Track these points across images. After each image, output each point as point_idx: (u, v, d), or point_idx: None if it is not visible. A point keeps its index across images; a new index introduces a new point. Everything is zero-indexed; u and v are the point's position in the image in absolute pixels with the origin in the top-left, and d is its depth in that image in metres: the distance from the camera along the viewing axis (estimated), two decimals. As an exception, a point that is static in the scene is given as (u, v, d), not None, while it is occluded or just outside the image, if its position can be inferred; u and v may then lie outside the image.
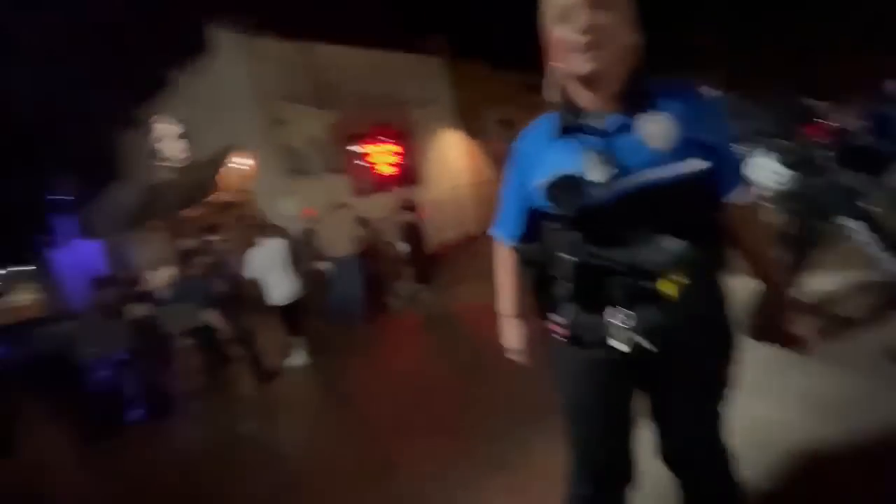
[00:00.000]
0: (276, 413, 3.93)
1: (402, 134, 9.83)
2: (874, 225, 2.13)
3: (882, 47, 9.89)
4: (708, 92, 1.05)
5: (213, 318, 4.47)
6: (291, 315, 4.84)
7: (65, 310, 15.47)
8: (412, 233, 6.43)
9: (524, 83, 13.66)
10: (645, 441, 1.16)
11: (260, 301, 4.84)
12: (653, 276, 0.90)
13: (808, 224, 2.39)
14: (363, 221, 6.57)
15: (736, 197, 0.99)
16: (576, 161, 0.94)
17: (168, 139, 9.78)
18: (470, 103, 10.93)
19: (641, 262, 0.90)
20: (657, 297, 0.90)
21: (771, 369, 2.32)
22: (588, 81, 0.93)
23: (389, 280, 6.55)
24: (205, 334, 4.73)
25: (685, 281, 0.89)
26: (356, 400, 3.72)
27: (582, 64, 0.89)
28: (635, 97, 0.93)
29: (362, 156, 9.30)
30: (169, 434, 3.98)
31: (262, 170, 8.20)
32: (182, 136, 9.53)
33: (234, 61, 7.87)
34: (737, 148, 1.06)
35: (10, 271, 22.15)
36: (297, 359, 4.78)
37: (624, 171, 0.91)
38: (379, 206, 7.64)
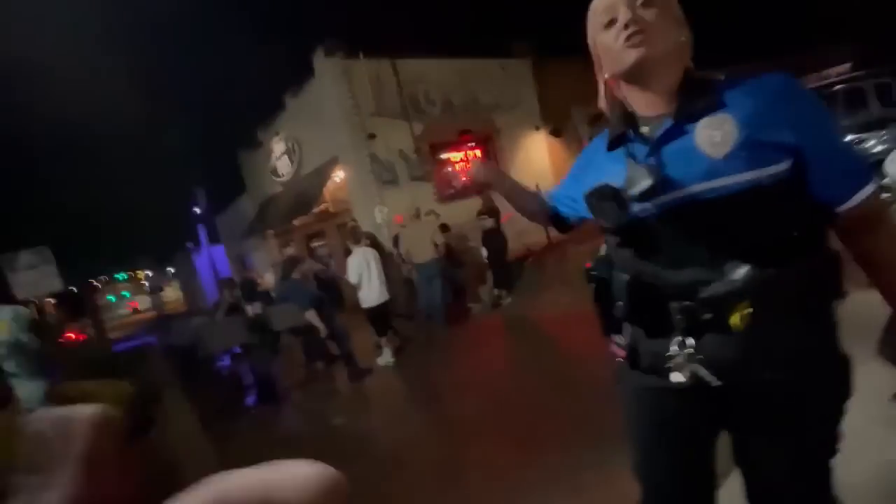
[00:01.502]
0: (365, 408, 4.22)
1: (486, 139, 9.92)
2: None
3: None
4: (792, 83, 0.81)
5: (312, 318, 4.93)
6: (380, 317, 5.19)
7: (200, 306, 18.08)
8: (494, 238, 6.45)
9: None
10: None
11: (356, 303, 5.27)
12: (712, 303, 0.78)
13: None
14: (446, 227, 6.75)
15: (851, 203, 0.79)
16: (620, 171, 0.87)
17: (280, 156, 10.98)
18: (558, 103, 10.64)
19: (697, 287, 0.79)
20: (722, 326, 0.77)
21: None
22: (637, 78, 0.85)
23: (472, 285, 6.63)
24: (306, 333, 5.26)
25: (749, 310, 0.75)
26: (438, 400, 3.86)
27: (627, 53, 0.82)
28: (692, 97, 0.82)
29: (447, 163, 9.57)
30: (274, 420, 4.47)
31: (357, 181, 8.82)
32: (292, 153, 10.62)
33: (333, 82, 8.59)
34: (849, 144, 0.85)
35: (161, 272, 26.51)
36: (385, 359, 5.08)
37: (669, 182, 0.81)
38: (463, 212, 7.80)
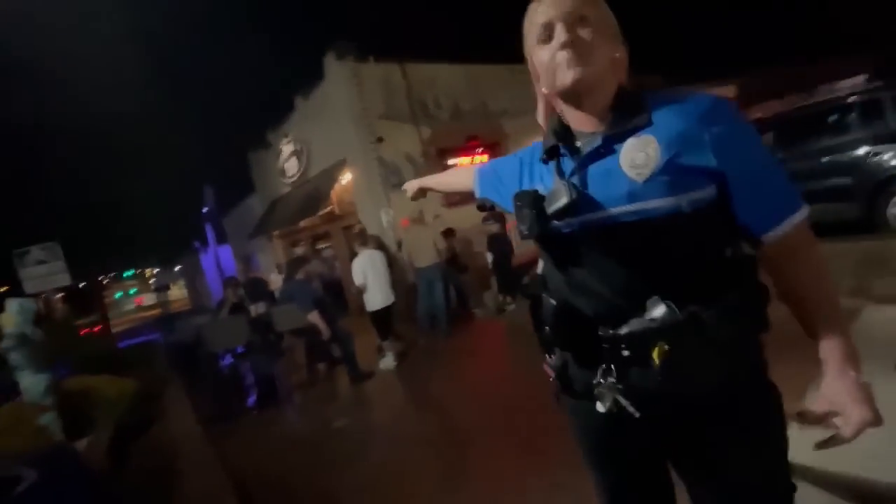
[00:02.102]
0: (366, 412, 4.19)
1: (494, 145, 9.92)
2: None
3: None
4: (719, 106, 0.78)
5: (315, 319, 4.91)
6: (384, 320, 5.17)
7: (205, 305, 18.14)
8: (499, 243, 6.42)
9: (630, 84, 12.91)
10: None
11: (360, 307, 5.27)
12: (632, 338, 0.76)
13: None
14: (450, 232, 6.71)
15: (777, 231, 0.76)
16: (547, 183, 0.87)
17: (289, 157, 11.03)
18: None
19: (619, 318, 0.77)
20: (643, 359, 0.75)
21: None
22: (573, 97, 0.84)
23: (476, 290, 6.59)
24: (308, 334, 5.24)
25: (666, 348, 0.72)
26: (439, 405, 3.82)
27: (565, 75, 0.80)
28: (623, 115, 0.81)
29: (455, 168, 9.56)
30: (274, 421, 4.44)
31: (364, 183, 8.84)
32: (300, 154, 10.67)
33: (342, 85, 8.63)
34: (780, 171, 0.79)
35: (168, 270, 26.70)
36: (387, 363, 5.05)
37: (589, 202, 0.79)
38: (468, 217, 7.77)
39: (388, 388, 4.62)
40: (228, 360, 5.04)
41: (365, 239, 5.30)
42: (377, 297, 5.06)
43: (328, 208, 9.83)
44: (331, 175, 9.35)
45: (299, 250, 11.53)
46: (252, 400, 4.89)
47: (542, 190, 0.86)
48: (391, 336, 5.29)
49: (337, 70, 8.71)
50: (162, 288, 28.00)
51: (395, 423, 3.74)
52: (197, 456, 3.60)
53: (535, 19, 0.84)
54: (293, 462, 3.33)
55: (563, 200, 0.79)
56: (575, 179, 0.82)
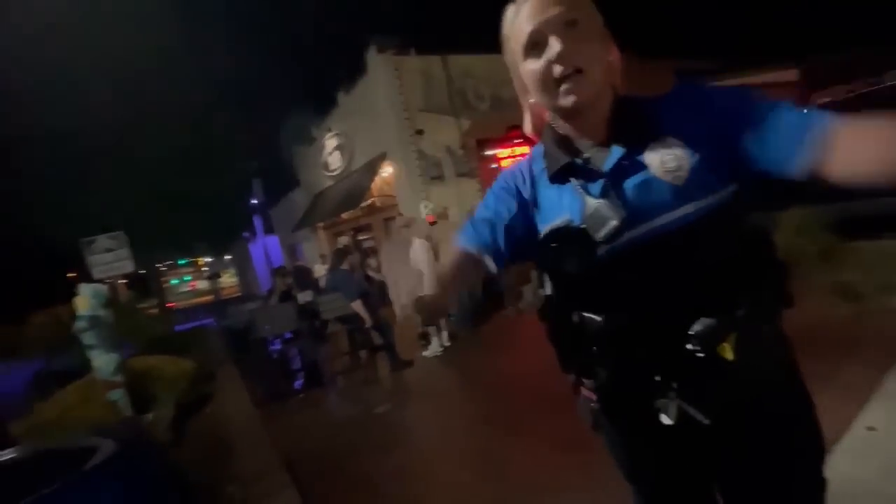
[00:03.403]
0: (406, 398, 4.30)
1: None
2: None
3: None
4: (700, 89, 0.77)
5: (359, 308, 5.07)
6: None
7: (254, 292, 19.02)
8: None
9: (672, 69, 12.32)
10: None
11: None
12: (701, 338, 0.73)
13: None
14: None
15: (818, 152, 0.65)
16: (575, 209, 0.80)
17: (332, 151, 11.33)
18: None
19: (676, 324, 0.75)
20: (704, 360, 0.73)
21: None
22: (572, 114, 0.79)
23: (517, 283, 6.56)
24: (352, 322, 5.42)
25: (735, 337, 0.71)
26: (478, 394, 3.87)
27: (564, 97, 0.75)
28: (629, 123, 0.78)
29: (495, 159, 9.50)
30: (319, 404, 4.65)
31: (404, 176, 8.95)
32: (343, 148, 10.94)
33: (384, 79, 8.75)
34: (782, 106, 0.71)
35: (219, 259, 28.13)
36: (434, 349, 5.19)
37: (634, 216, 0.75)
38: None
39: (428, 377, 4.71)
40: (277, 344, 5.30)
41: (412, 229, 5.39)
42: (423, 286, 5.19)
43: (369, 201, 10.04)
44: (372, 168, 9.53)
45: (343, 241, 11.84)
46: (299, 383, 5.13)
47: (572, 217, 0.81)
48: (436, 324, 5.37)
49: (378, 64, 8.82)
50: (214, 276, 29.57)
51: (434, 410, 3.82)
52: (249, 433, 3.83)
53: (519, 25, 0.78)
54: (336, 444, 3.48)
55: (612, 223, 0.75)
56: (612, 197, 0.77)
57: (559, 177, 0.84)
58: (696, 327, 0.73)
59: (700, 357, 0.73)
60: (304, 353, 5.26)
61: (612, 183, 0.78)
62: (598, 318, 0.81)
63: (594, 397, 0.89)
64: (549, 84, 0.76)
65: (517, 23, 0.78)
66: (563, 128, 0.85)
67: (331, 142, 11.27)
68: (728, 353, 0.72)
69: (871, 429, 1.92)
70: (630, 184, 0.77)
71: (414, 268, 5.14)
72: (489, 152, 9.53)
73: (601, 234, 0.76)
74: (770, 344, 0.77)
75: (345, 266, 5.37)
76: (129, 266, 7.03)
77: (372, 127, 9.37)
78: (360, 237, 11.75)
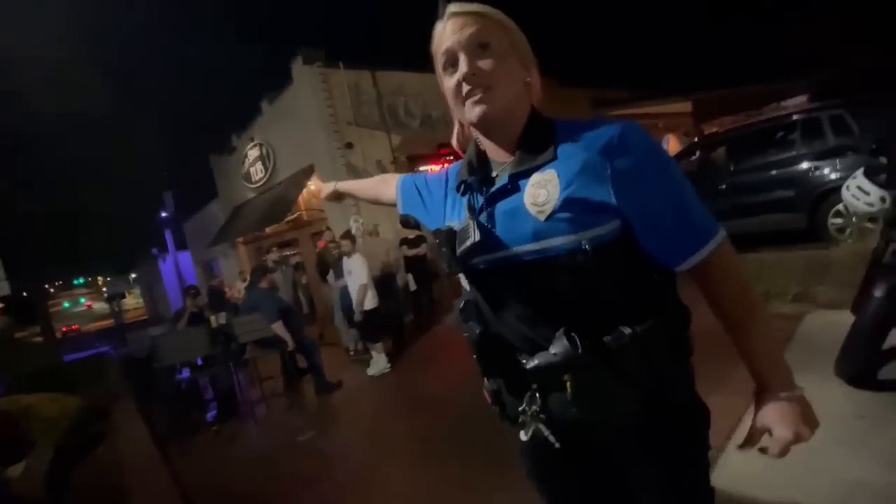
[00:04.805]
0: (333, 424, 4.08)
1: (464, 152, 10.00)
2: None
3: None
4: (626, 135, 0.74)
5: (279, 329, 4.77)
6: (370, 326, 5.07)
7: (162, 314, 17.31)
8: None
9: (591, 98, 13.39)
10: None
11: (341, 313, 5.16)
12: (539, 372, 0.75)
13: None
14: (412, 241, 6.71)
15: (689, 263, 0.75)
16: (460, 218, 0.85)
17: (254, 162, 10.75)
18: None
19: (532, 350, 0.77)
20: (558, 389, 0.75)
21: (860, 421, 2.02)
22: (484, 129, 0.83)
23: (449, 296, 6.59)
24: (272, 345, 5.08)
25: (571, 380, 0.72)
26: (413, 417, 3.76)
27: (470, 110, 0.79)
28: (531, 148, 0.79)
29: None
30: (235, 437, 4.26)
31: (332, 190, 8.72)
32: (266, 159, 10.42)
33: (311, 90, 8.52)
34: (691, 199, 0.75)
35: (123, 279, 25.36)
36: (380, 365, 5.00)
37: (495, 241, 0.78)
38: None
39: (358, 399, 4.53)
40: (186, 373, 4.82)
41: (345, 244, 5.20)
42: (372, 297, 4.99)
43: (295, 214, 9.63)
44: (298, 180, 9.17)
45: (265, 257, 11.21)
46: (212, 415, 4.69)
47: (455, 225, 0.84)
48: (378, 340, 5.20)
49: (305, 75, 8.59)
50: (115, 297, 26.56)
51: (363, 435, 3.66)
52: (148, 476, 3.40)
53: (439, 43, 0.81)
54: (253, 479, 3.20)
55: (469, 241, 0.78)
56: (483, 217, 0.81)
57: (461, 188, 0.89)
58: (533, 361, 0.75)
59: (547, 385, 0.76)
60: (218, 381, 4.83)
61: (488, 204, 0.82)
62: (477, 330, 0.85)
63: (489, 400, 0.93)
64: (460, 99, 0.80)
65: (438, 41, 0.82)
66: (483, 142, 0.88)
67: (253, 152, 10.70)
68: (565, 389, 0.73)
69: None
70: (501, 209, 0.80)
71: (361, 280, 4.97)
72: (420, 168, 9.60)
73: (459, 250, 0.80)
74: (621, 388, 0.73)
75: (264, 284, 5.05)
76: (2, 288, 6.08)
77: (298, 138, 9.06)
78: (286, 252, 11.19)
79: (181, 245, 17.65)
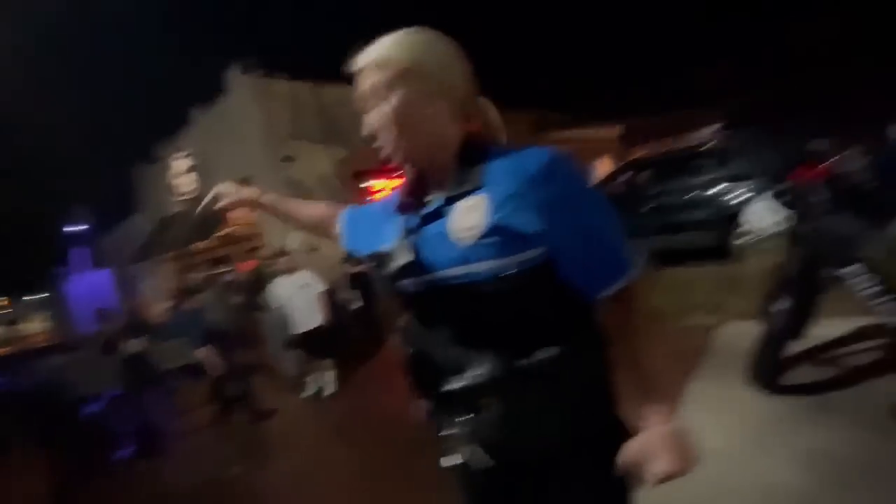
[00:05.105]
0: (266, 455, 3.82)
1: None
2: (871, 272, 2.04)
3: (891, 89, 9.93)
4: (551, 163, 0.75)
5: (206, 355, 4.43)
6: (318, 343, 4.81)
7: (74, 339, 15.59)
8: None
9: (534, 121, 14.04)
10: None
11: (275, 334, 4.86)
12: (463, 394, 0.77)
13: (809, 269, 2.31)
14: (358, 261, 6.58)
15: (604, 293, 0.77)
16: (393, 242, 0.88)
17: (183, 174, 10.11)
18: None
19: (458, 372, 0.79)
20: (477, 409, 0.77)
21: (776, 425, 2.19)
22: (412, 164, 0.86)
23: (393, 316, 6.51)
24: (199, 372, 4.71)
25: (493, 402, 0.75)
26: (353, 443, 3.60)
27: (385, 151, 0.82)
28: (464, 173, 0.80)
29: (370, 191, 9.48)
30: (155, 475, 3.87)
31: (270, 205, 8.39)
32: (196, 171, 9.84)
33: (248, 101, 8.22)
34: (612, 231, 0.78)
35: (24, 300, 22.59)
36: (329, 386, 4.74)
37: (423, 264, 0.80)
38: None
39: (294, 427, 4.29)
40: (98, 405, 4.34)
41: (283, 261, 4.93)
42: (304, 320, 4.68)
43: (228, 230, 9.13)
44: (231, 194, 8.73)
45: (192, 275, 10.48)
46: (127, 452, 4.23)
47: (387, 247, 0.85)
48: (321, 360, 4.93)
49: (242, 84, 8.29)
50: (15, 321, 23.53)
51: (297, 466, 3.45)
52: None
53: (355, 90, 0.83)
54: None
55: (399, 262, 0.80)
56: (414, 239, 0.82)
57: (399, 209, 0.90)
58: (458, 383, 0.77)
59: (474, 406, 0.77)
60: (136, 413, 4.39)
61: (420, 227, 0.83)
62: (409, 350, 0.86)
63: (425, 419, 0.92)
64: (372, 140, 0.83)
65: (356, 86, 0.83)
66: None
67: (182, 163, 10.06)
68: (488, 410, 0.75)
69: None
70: (429, 233, 0.81)
71: (308, 294, 4.71)
72: (366, 184, 9.48)
73: (387, 272, 0.81)
74: (540, 411, 0.75)
75: (190, 305, 4.70)
76: None
77: (233, 150, 8.65)
78: (216, 270, 10.53)
79: (97, 263, 16.07)
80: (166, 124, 10.44)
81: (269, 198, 1.21)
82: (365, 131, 0.81)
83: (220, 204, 1.22)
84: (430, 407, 0.88)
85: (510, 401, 0.74)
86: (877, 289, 2.03)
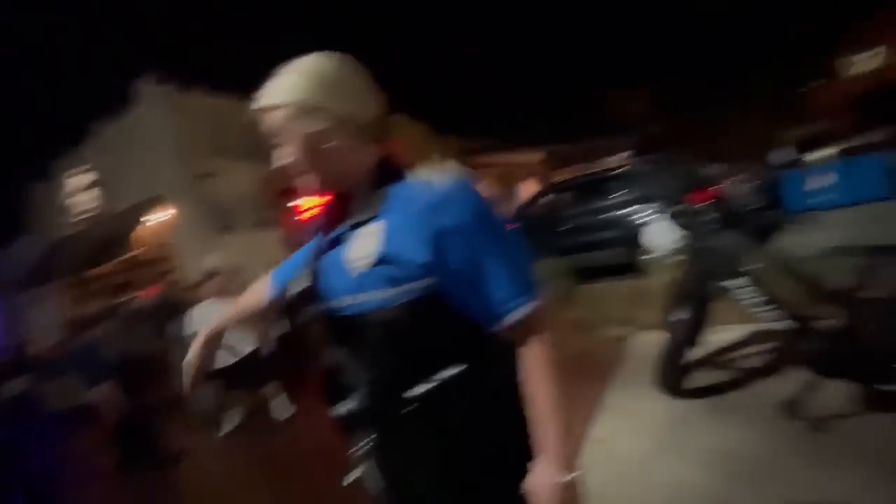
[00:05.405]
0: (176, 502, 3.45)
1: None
2: (755, 284, 2.31)
3: (774, 120, 11.55)
4: (451, 193, 0.74)
5: (103, 394, 3.96)
6: (243, 374, 4.42)
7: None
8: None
9: (458, 146, 14.49)
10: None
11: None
12: (352, 419, 0.80)
13: (702, 282, 2.57)
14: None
15: (503, 323, 0.75)
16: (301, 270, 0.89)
17: (82, 190, 9.13)
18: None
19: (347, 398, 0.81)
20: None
21: (681, 426, 2.34)
22: (325, 192, 0.88)
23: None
24: (95, 413, 4.18)
25: (377, 432, 0.78)
26: (271, 481, 3.36)
27: (297, 183, 0.84)
28: (368, 201, 0.80)
29: (297, 210, 9.17)
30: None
31: (185, 224, 7.79)
32: (97, 187, 8.94)
33: (160, 113, 7.68)
34: (512, 261, 0.75)
35: None
36: (231, 424, 4.38)
37: (323, 290, 0.81)
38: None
39: (207, 469, 3.91)
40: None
41: (193, 288, 4.53)
42: (242, 344, 4.32)
43: (135, 252, 8.34)
44: (139, 213, 8.03)
45: (92, 304, 9.38)
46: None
47: (296, 274, 0.88)
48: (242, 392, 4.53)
49: (154, 96, 7.75)
50: None
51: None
52: None
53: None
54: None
55: (296, 290, 0.82)
56: (315, 267, 0.84)
57: (315, 236, 0.91)
58: (338, 409, 0.80)
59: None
60: (18, 463, 3.79)
61: (323, 254, 0.84)
62: (323, 371, 0.87)
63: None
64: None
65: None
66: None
67: (81, 179, 9.09)
68: (376, 439, 0.79)
69: (600, 441, 2.36)
70: (329, 260, 0.82)
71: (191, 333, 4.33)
72: (294, 202, 9.15)
73: (289, 295, 0.84)
74: (425, 440, 0.75)
75: (88, 337, 4.20)
76: None
77: (142, 165, 7.99)
78: (120, 298, 9.51)
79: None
80: (64, 138, 9.40)
81: (218, 324, 1.09)
82: (275, 163, 0.83)
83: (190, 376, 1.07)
84: (341, 426, 0.88)
85: (392, 431, 0.76)
86: (759, 299, 2.28)
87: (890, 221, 5.47)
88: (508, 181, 15.66)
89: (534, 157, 14.84)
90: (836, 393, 2.11)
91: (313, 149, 0.79)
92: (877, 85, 11.24)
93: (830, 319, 2.21)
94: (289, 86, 0.78)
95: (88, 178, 9.02)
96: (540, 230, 6.46)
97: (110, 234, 8.25)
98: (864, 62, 16.40)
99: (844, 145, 8.03)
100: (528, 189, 12.63)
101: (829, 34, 10.73)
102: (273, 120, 0.80)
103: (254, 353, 4.44)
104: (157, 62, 8.01)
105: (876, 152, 7.11)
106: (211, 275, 4.65)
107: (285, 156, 0.81)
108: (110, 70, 8.47)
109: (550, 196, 6.92)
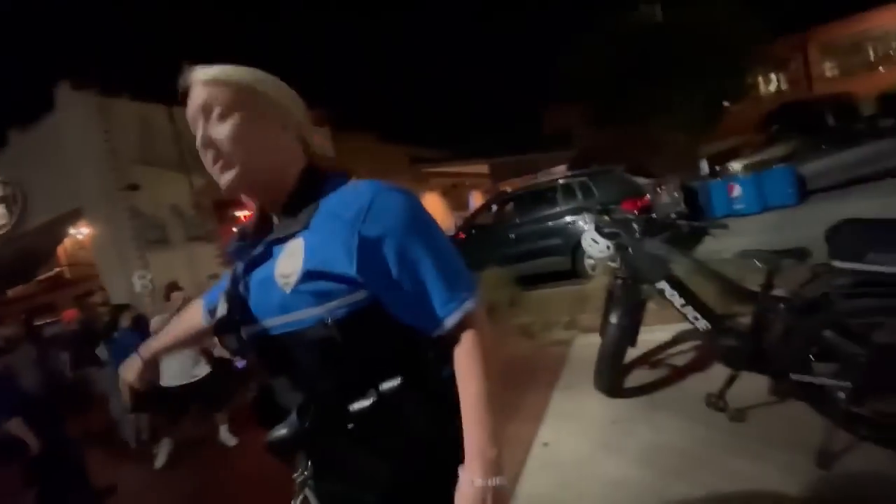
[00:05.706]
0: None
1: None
2: (678, 287, 2.50)
3: (701, 134, 12.51)
4: (373, 203, 0.71)
5: (18, 429, 3.56)
6: (192, 399, 4.10)
7: None
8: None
9: (410, 155, 14.54)
10: None
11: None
12: (282, 440, 0.74)
13: (633, 286, 2.73)
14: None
15: (440, 330, 0.71)
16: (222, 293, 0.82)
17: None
18: (355, 174, 11.25)
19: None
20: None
21: (619, 425, 2.45)
22: (246, 196, 0.80)
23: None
24: (9, 450, 3.74)
25: (313, 453, 0.76)
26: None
27: (218, 181, 0.76)
28: (293, 212, 0.75)
29: (237, 221, 8.78)
30: None
31: (108, 239, 7.22)
32: (12, 201, 8.08)
33: (81, 121, 7.10)
34: (443, 266, 0.72)
35: None
36: (164, 455, 4.07)
37: (248, 312, 0.75)
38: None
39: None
40: None
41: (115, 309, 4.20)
42: (179, 369, 4.02)
43: (53, 272, 7.62)
44: (58, 228, 7.35)
45: (7, 329, 8.40)
46: None
47: (217, 296, 0.82)
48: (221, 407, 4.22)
49: (74, 102, 7.16)
50: None
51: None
52: None
53: (187, 116, 0.77)
54: None
55: (221, 313, 0.76)
56: (241, 287, 0.77)
57: (234, 255, 0.83)
58: (273, 433, 0.75)
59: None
60: None
61: (246, 273, 0.78)
62: (254, 394, 0.83)
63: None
64: (209, 168, 0.76)
65: (187, 112, 0.77)
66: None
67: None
68: (312, 461, 0.77)
69: (545, 444, 2.43)
70: (255, 278, 0.77)
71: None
72: (234, 213, 8.75)
73: (213, 322, 0.78)
74: (364, 457, 0.73)
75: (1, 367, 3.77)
76: None
77: (60, 176, 7.34)
78: (37, 322, 8.61)
79: None
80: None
81: (153, 347, 1.03)
82: (199, 142, 0.73)
83: (129, 384, 1.01)
84: (277, 451, 0.82)
85: (329, 451, 0.73)
86: (683, 300, 2.47)
87: (794, 226, 6.13)
88: (458, 191, 15.93)
89: (482, 167, 15.22)
90: (755, 385, 2.27)
91: (249, 136, 0.73)
92: (783, 102, 12.58)
93: (743, 317, 2.42)
94: (233, 69, 0.74)
95: (1, 190, 8.14)
96: (487, 239, 6.65)
97: (26, 252, 7.48)
98: (774, 82, 18.42)
99: (756, 158, 8.86)
100: (477, 199, 12.92)
101: (742, 57, 11.91)
102: (210, 97, 0.72)
103: (208, 376, 4.20)
104: (76, 66, 7.41)
105: (784, 163, 7.94)
106: (172, 288, 4.37)
107: (214, 139, 0.73)
108: (24, 75, 7.72)
109: (495, 206, 7.13)
